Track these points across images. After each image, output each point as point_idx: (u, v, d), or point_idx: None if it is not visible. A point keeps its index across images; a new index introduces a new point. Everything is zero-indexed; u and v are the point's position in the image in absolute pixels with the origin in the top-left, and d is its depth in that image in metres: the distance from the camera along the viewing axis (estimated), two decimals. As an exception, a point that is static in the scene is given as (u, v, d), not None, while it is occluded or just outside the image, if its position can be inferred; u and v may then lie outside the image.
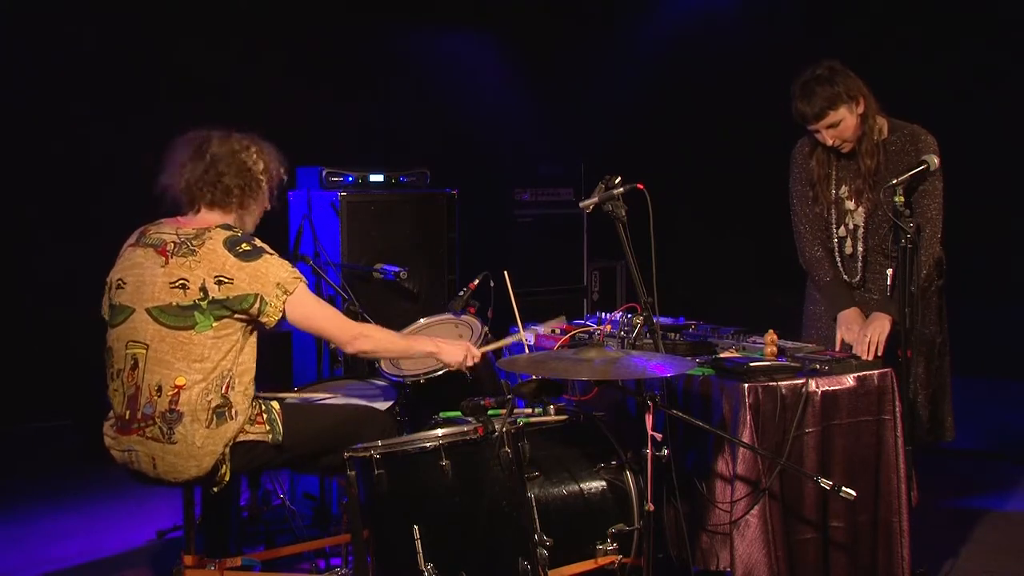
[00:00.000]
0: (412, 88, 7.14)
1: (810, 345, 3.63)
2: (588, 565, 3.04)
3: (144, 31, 6.12)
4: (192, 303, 3.12)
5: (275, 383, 3.82)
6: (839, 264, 3.89)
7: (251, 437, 3.20)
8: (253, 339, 3.24)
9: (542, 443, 3.12)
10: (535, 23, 7.39)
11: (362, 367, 4.24)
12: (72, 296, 4.98)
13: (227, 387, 3.15)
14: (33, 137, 5.95)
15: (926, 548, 3.75)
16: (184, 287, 3.13)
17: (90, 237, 4.90)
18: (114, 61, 6.06)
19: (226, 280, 3.12)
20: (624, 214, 3.27)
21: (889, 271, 3.69)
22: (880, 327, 3.63)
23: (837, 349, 3.70)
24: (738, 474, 3.14)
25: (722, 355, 3.46)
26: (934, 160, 3.57)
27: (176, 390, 3.11)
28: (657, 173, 3.96)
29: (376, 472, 2.98)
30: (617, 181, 3.29)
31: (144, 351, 3.15)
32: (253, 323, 3.20)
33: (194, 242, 3.17)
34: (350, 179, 5.27)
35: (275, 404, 3.30)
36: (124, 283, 3.22)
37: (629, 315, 3.64)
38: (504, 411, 2.99)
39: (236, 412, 3.16)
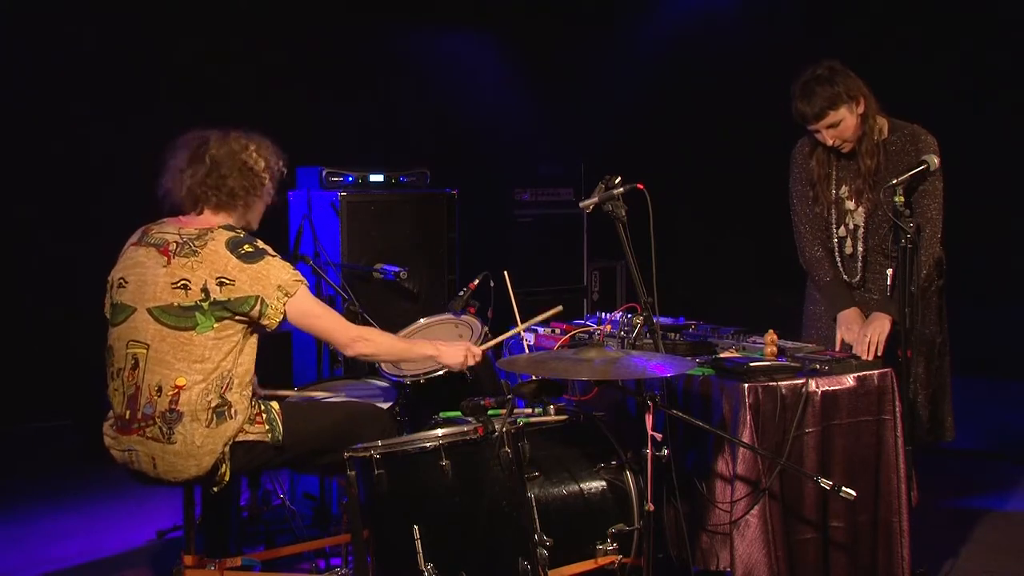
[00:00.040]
0: (412, 88, 7.14)
1: (810, 345, 3.63)
2: (588, 565, 3.04)
3: (144, 31, 6.12)
4: (193, 304, 3.12)
5: (275, 383, 3.82)
6: (839, 264, 3.89)
7: (251, 437, 3.20)
8: (254, 340, 3.24)
9: (542, 443, 3.12)
10: (535, 23, 7.39)
11: (362, 367, 4.24)
12: (72, 296, 4.99)
13: (227, 387, 3.15)
14: (33, 137, 5.96)
15: (926, 548, 3.76)
16: (186, 288, 3.13)
17: (90, 237, 4.90)
18: (114, 61, 6.06)
19: (227, 282, 3.12)
20: (624, 214, 3.27)
21: (889, 271, 3.69)
22: (880, 327, 3.63)
23: (837, 349, 3.70)
24: (738, 474, 3.14)
25: (722, 355, 3.46)
26: (934, 160, 3.57)
27: (176, 390, 3.11)
28: (657, 173, 3.96)
29: (376, 472, 2.98)
30: (617, 181, 3.29)
31: (145, 351, 3.15)
32: (253, 325, 3.20)
33: (196, 243, 3.17)
34: (350, 179, 5.27)
35: (275, 404, 3.30)
36: (126, 282, 3.22)
37: (629, 315, 3.63)
38: (504, 411, 2.99)
39: (236, 412, 3.16)
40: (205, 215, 3.28)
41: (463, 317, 4.02)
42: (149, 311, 3.15)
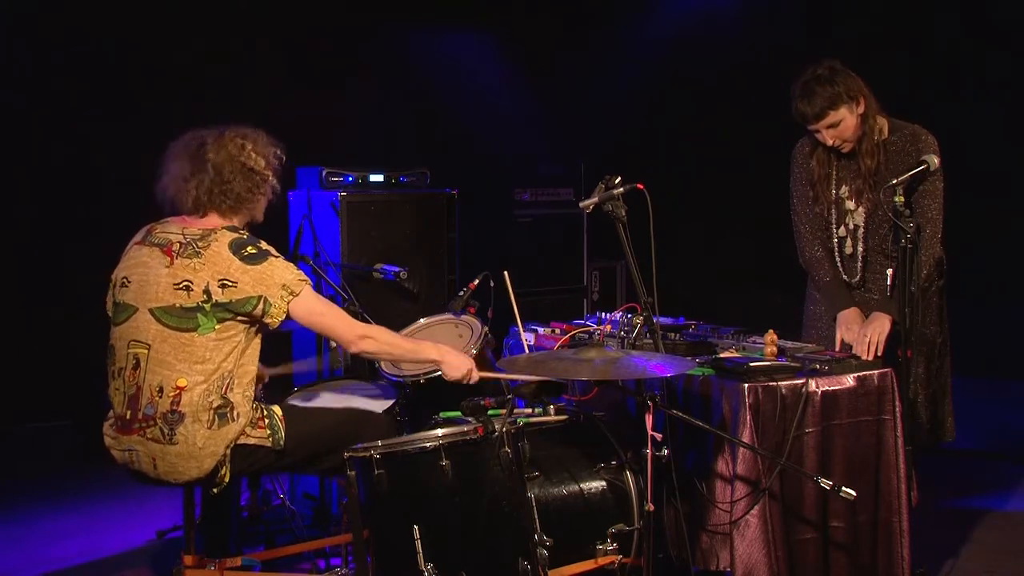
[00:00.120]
0: (412, 88, 7.13)
1: (810, 345, 3.64)
2: (588, 565, 3.04)
3: (144, 31, 6.11)
4: (195, 305, 3.11)
5: (275, 383, 3.82)
6: (839, 264, 3.89)
7: (252, 441, 3.19)
8: (257, 341, 3.24)
9: (542, 443, 3.12)
10: (535, 23, 7.38)
11: (362, 367, 4.24)
12: (72, 296, 5.00)
13: (228, 387, 3.15)
14: (33, 137, 5.95)
15: (926, 548, 3.76)
16: (188, 289, 3.12)
17: (90, 237, 4.90)
18: (114, 61, 6.05)
19: (230, 284, 3.12)
20: (624, 214, 3.27)
21: (889, 271, 3.69)
22: (880, 327, 3.63)
23: (837, 349, 3.70)
24: (738, 474, 3.14)
25: (722, 355, 3.46)
26: (934, 160, 3.57)
27: (178, 391, 3.11)
28: (657, 173, 3.95)
29: (376, 472, 2.98)
30: (617, 181, 3.29)
31: (146, 351, 3.15)
32: (256, 324, 3.20)
33: (199, 243, 3.17)
34: (350, 179, 5.27)
35: (277, 409, 3.29)
36: (128, 281, 3.22)
37: (629, 315, 3.63)
38: (504, 411, 2.99)
39: (237, 414, 3.16)
40: (210, 216, 3.27)
41: (463, 317, 4.01)
42: (151, 311, 3.15)
